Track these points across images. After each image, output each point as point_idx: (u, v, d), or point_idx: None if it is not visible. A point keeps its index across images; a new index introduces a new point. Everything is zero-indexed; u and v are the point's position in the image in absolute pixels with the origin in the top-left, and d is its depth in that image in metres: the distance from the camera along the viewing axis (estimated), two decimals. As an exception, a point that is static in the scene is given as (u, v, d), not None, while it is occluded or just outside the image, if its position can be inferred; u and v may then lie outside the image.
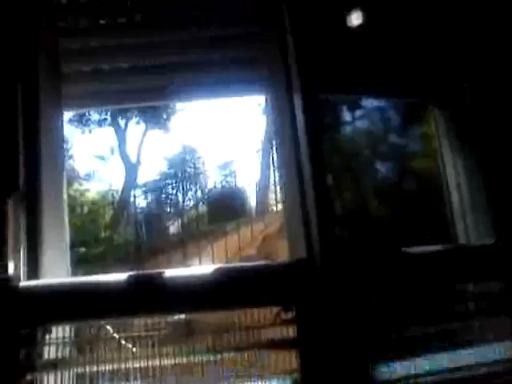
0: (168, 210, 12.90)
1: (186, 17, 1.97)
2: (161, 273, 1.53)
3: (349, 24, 1.99)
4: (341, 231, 1.63)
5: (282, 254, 6.69)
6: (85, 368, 1.48)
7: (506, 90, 2.01)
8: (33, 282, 1.52)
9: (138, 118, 14.26)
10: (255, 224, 8.26)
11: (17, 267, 1.51)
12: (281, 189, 1.94)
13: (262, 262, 1.77)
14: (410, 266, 1.69)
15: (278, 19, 1.81)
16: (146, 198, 13.34)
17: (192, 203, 13.29)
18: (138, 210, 11.38)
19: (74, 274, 1.82)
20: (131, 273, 1.51)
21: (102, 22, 1.93)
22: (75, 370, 1.49)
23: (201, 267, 1.66)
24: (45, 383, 1.46)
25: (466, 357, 1.67)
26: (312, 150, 1.62)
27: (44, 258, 1.62)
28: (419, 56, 2.07)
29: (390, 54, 2.04)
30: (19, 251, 1.54)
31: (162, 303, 1.51)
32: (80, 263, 8.18)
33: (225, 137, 23.44)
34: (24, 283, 1.50)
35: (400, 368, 1.62)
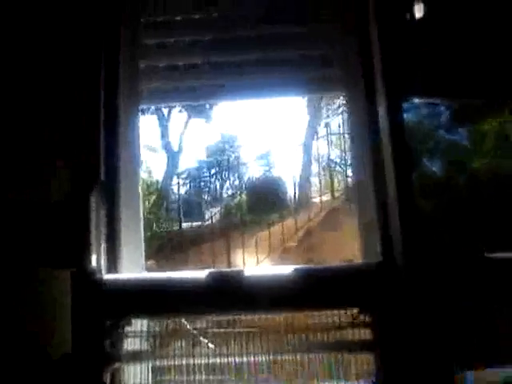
0: (208, 198, 12.97)
1: (255, 13, 1.94)
2: (240, 271, 1.53)
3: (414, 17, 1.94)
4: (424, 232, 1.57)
5: (324, 247, 6.65)
6: (161, 361, 1.50)
7: None
8: (115, 276, 1.54)
9: (180, 108, 14.30)
10: (298, 216, 8.23)
11: (98, 260, 1.52)
12: (354, 188, 1.90)
13: (341, 264, 1.74)
14: (493, 272, 1.63)
15: (360, 16, 1.77)
16: (186, 185, 13.44)
17: (231, 192, 13.35)
18: (179, 198, 11.45)
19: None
20: (211, 270, 1.51)
21: (177, 17, 1.92)
22: (152, 363, 1.51)
23: (279, 267, 1.65)
24: (125, 373, 1.48)
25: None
26: (398, 150, 1.58)
27: (122, 252, 1.64)
28: (500, 56, 2.00)
29: (470, 53, 1.97)
30: (100, 244, 1.55)
31: (239, 302, 1.50)
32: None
33: (265, 127, 23.38)
34: (107, 276, 1.52)
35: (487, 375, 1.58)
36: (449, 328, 1.53)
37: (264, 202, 9.55)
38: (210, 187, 13.87)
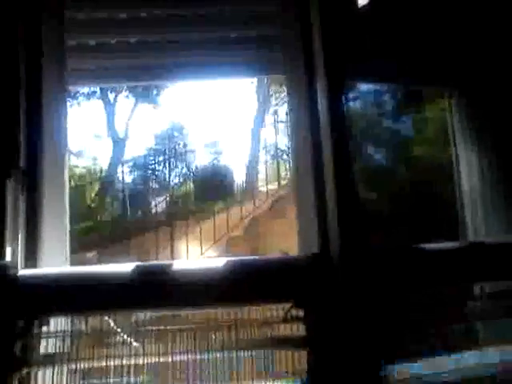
0: (154, 186, 12.76)
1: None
2: (168, 265, 1.45)
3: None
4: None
5: (270, 235, 6.63)
6: (83, 364, 1.39)
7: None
8: (32, 271, 1.43)
9: (127, 93, 13.98)
10: (244, 204, 8.18)
11: (14, 253, 1.41)
12: (293, 177, 1.85)
13: (275, 256, 1.68)
14: (426, 264, 1.61)
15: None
16: (132, 173, 13.18)
17: (179, 180, 13.18)
18: (125, 186, 11.22)
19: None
20: (137, 264, 1.42)
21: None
22: (73, 366, 1.39)
23: (211, 259, 1.57)
24: (40, 378, 1.37)
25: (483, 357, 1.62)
26: (338, 136, 1.53)
27: (43, 244, 1.52)
28: (441, 43, 1.99)
29: (410, 39, 1.96)
30: (18, 236, 1.43)
31: (168, 297, 1.42)
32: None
33: (214, 115, 23.18)
34: (23, 272, 1.40)
35: (413, 368, 1.57)
36: (380, 322, 1.50)
37: (211, 190, 9.46)
38: (156, 175, 13.65)
